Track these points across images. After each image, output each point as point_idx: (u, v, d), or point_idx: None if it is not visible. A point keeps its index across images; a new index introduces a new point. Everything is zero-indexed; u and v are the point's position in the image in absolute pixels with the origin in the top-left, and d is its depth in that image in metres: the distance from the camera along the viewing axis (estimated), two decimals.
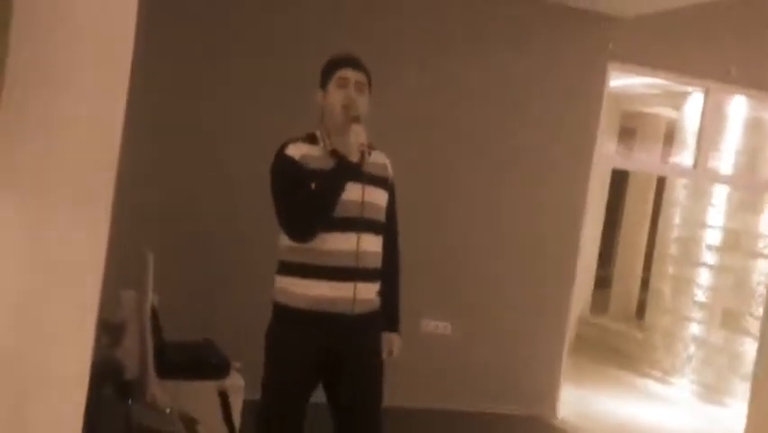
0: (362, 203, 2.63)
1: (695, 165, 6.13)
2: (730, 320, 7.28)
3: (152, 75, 4.34)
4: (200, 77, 4.82)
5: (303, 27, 4.93)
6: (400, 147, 5.08)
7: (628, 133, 9.22)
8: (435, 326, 5.30)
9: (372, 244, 2.71)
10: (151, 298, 3.43)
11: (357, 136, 2.62)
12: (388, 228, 2.82)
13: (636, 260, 9.10)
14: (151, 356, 3.41)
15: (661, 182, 8.68)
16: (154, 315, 3.49)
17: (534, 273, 5.52)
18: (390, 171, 2.87)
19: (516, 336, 5.49)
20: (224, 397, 3.59)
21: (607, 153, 8.31)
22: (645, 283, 8.80)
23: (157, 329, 3.50)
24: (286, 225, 2.64)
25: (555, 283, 5.60)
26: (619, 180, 9.32)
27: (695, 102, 7.30)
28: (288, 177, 2.65)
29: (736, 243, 7.31)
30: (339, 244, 2.62)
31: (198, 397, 3.56)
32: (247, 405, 3.71)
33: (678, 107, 8.04)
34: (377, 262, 2.74)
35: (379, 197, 2.75)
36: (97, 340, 3.60)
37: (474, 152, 5.37)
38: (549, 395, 5.64)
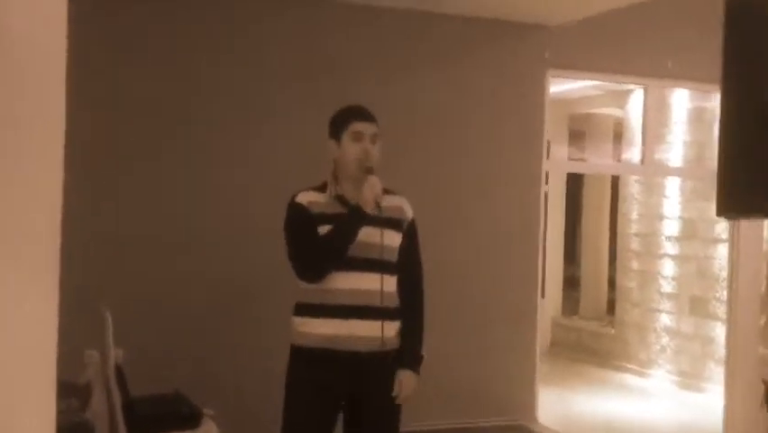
0: (382, 246, 2.73)
1: (642, 160, 6.25)
2: (698, 307, 7.40)
3: (105, 127, 4.37)
4: (152, 127, 4.80)
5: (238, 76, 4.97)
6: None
7: (578, 135, 9.37)
8: None
9: (387, 284, 2.78)
10: (114, 354, 3.40)
11: (372, 188, 2.72)
12: (409, 267, 2.91)
13: (601, 258, 9.22)
14: (120, 414, 3.38)
15: (615, 179, 8.82)
16: (119, 372, 3.46)
17: (498, 284, 5.56)
18: (408, 213, 2.95)
19: (487, 347, 5.51)
20: None
21: (559, 159, 8.46)
22: (612, 280, 8.92)
23: (123, 386, 3.47)
24: (297, 268, 2.76)
25: (520, 291, 5.65)
26: (576, 181, 9.45)
27: (638, 99, 7.46)
28: (295, 222, 2.81)
29: (694, 231, 7.45)
30: (355, 283, 2.73)
31: None
32: None
33: (622, 106, 8.20)
34: (391, 302, 2.81)
35: (394, 239, 2.84)
36: (65, 404, 3.57)
37: (424, 171, 5.40)
38: (527, 402, 5.66)
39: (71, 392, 3.63)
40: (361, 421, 2.79)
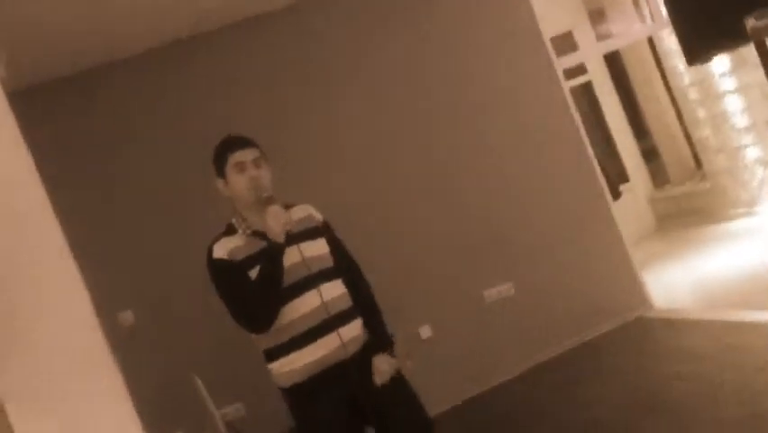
0: (304, 260, 2.71)
1: (653, 16, 6.06)
2: None
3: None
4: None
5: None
6: (409, 137, 5.29)
7: (599, 13, 9.11)
8: (498, 291, 5.38)
9: (333, 289, 2.78)
10: (219, 415, 3.64)
11: (276, 218, 2.64)
12: (344, 263, 2.88)
13: (669, 120, 8.99)
14: None
15: (651, 40, 8.56)
16: (233, 428, 3.69)
17: (559, 193, 5.54)
18: (318, 216, 2.91)
19: (576, 260, 5.51)
20: None
21: (588, 44, 8.27)
22: (687, 136, 8.68)
23: None
24: (246, 325, 2.69)
25: (584, 190, 5.61)
26: (615, 58, 9.23)
27: None
28: (226, 278, 2.68)
29: (744, 58, 7.15)
30: (303, 307, 2.69)
31: None
32: None
33: None
34: (347, 302, 2.81)
35: (317, 247, 2.81)
36: None
37: (449, 124, 5.45)
38: (636, 293, 5.64)
39: None
40: (382, 414, 2.77)
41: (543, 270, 5.44)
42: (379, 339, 2.87)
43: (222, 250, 2.71)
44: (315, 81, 5.22)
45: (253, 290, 2.64)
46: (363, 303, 2.90)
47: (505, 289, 5.38)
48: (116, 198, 4.83)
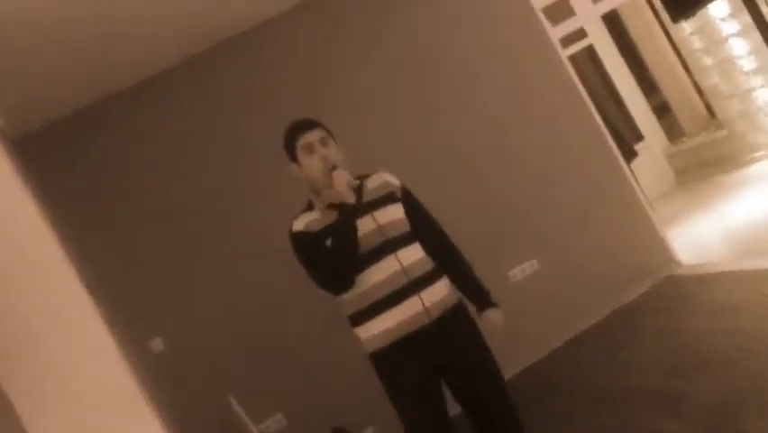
0: (380, 227, 2.76)
1: None
2: None
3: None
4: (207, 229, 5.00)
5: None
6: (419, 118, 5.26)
7: None
8: (522, 269, 5.34)
9: (412, 253, 2.80)
10: (260, 427, 3.65)
11: (341, 179, 2.73)
12: (427, 229, 2.92)
13: (676, 73, 8.87)
14: None
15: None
16: None
17: (573, 165, 5.49)
18: (395, 182, 2.95)
19: (596, 228, 5.46)
20: None
21: (585, 7, 8.16)
22: (696, 86, 8.56)
23: None
24: (326, 285, 2.76)
25: (596, 155, 5.55)
26: (614, 20, 9.12)
27: None
28: (305, 248, 2.78)
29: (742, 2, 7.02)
30: (381, 273, 2.73)
31: None
32: None
33: None
34: (427, 265, 2.82)
35: (392, 213, 2.84)
36: None
37: (453, 104, 5.42)
38: (662, 253, 5.58)
39: None
40: (464, 381, 2.79)
41: (564, 242, 5.40)
42: (476, 296, 2.91)
43: (300, 224, 2.81)
44: (326, 82, 5.23)
45: (329, 253, 2.71)
46: (452, 263, 2.92)
47: (529, 266, 5.34)
48: (136, 230, 4.87)
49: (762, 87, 7.37)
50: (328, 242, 2.73)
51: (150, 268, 4.78)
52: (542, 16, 5.63)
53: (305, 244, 2.78)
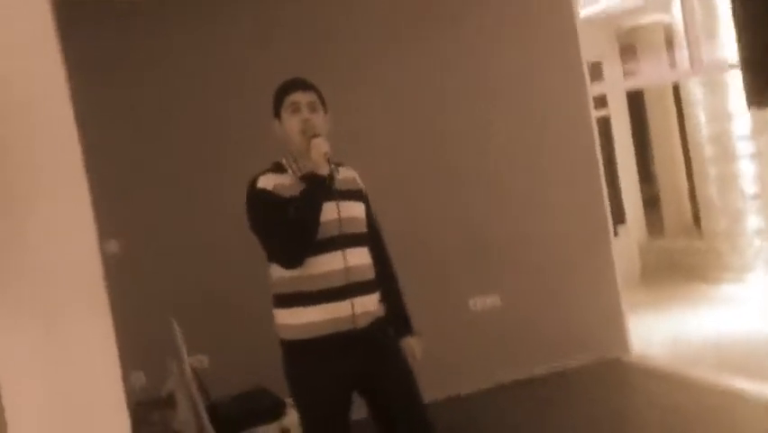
0: (340, 220, 2.64)
1: (692, 63, 5.97)
2: None
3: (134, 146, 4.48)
4: (183, 128, 4.88)
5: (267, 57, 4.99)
6: (404, 128, 5.15)
7: (630, 50, 9.03)
8: (484, 301, 5.28)
9: (360, 257, 2.70)
10: (188, 361, 3.50)
11: (319, 147, 2.61)
12: (372, 237, 2.81)
13: (677, 171, 8.92)
14: (206, 418, 3.48)
15: (676, 88, 8.48)
16: (197, 377, 3.56)
17: (565, 217, 5.45)
18: (361, 183, 2.86)
19: (568, 287, 5.43)
20: None
21: (614, 78, 8.19)
22: (693, 192, 8.62)
23: (203, 390, 3.57)
24: (277, 256, 2.63)
25: (589, 220, 5.52)
26: (637, 99, 9.15)
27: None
28: (265, 208, 2.64)
29: (765, 125, 7.09)
30: (326, 265, 2.61)
31: None
32: None
33: (668, 10, 7.86)
34: (368, 274, 2.72)
35: (354, 209, 2.74)
36: (155, 417, 3.70)
37: (472, 123, 5.34)
38: (617, 334, 5.56)
39: (158, 405, 3.78)
40: (383, 396, 2.69)
41: (532, 288, 5.36)
42: (404, 320, 2.86)
43: (267, 182, 2.67)
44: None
45: (292, 224, 2.57)
46: (388, 280, 2.84)
47: (491, 300, 5.28)
48: (131, 126, 4.71)
49: (755, 213, 7.43)
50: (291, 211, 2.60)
51: (129, 168, 4.61)
52: (587, 73, 5.57)
53: (267, 206, 2.63)
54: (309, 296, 2.61)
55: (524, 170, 5.41)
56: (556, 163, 5.45)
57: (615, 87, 8.17)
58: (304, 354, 2.65)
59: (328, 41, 5.06)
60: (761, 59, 2.51)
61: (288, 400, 3.81)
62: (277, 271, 2.67)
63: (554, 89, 5.46)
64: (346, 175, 2.80)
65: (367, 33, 5.17)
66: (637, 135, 9.24)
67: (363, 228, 2.75)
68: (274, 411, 3.72)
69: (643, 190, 9.29)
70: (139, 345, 3.89)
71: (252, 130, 4.77)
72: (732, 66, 7.10)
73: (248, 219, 2.68)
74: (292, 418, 3.75)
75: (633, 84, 8.12)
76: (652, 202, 9.38)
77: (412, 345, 2.82)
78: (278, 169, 2.73)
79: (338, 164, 2.77)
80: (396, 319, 2.82)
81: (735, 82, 7.33)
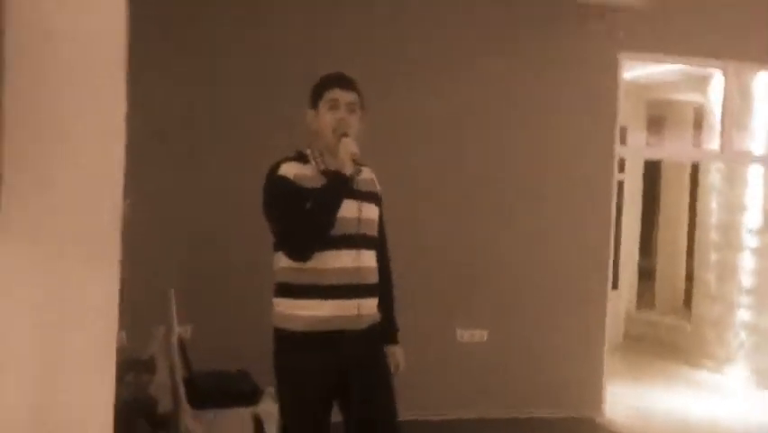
0: (359, 219, 2.64)
1: (722, 147, 6.01)
2: None
3: (156, 111, 4.46)
4: (203, 105, 4.89)
5: (305, 47, 4.99)
6: (419, 151, 5.15)
7: (657, 122, 9.09)
8: (471, 334, 5.27)
9: (371, 259, 2.71)
10: (177, 331, 3.47)
11: (347, 146, 2.61)
12: (382, 241, 2.82)
13: (678, 249, 8.95)
14: (182, 388, 3.45)
15: (695, 168, 8.53)
16: (182, 347, 3.53)
17: (567, 270, 5.46)
18: (378, 186, 2.86)
19: (556, 338, 5.43)
20: (258, 423, 3.61)
21: (636, 145, 8.23)
22: (689, 273, 8.64)
23: (186, 361, 3.54)
24: (286, 245, 2.61)
25: (590, 279, 5.54)
26: (653, 171, 9.20)
27: (719, 84, 7.18)
28: (284, 196, 2.63)
29: None
30: (340, 261, 2.61)
31: (233, 425, 3.60)
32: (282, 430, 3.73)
33: (703, 92, 7.91)
34: (374, 278, 2.74)
35: (372, 212, 2.75)
36: (131, 378, 3.67)
37: (495, 156, 5.36)
38: (594, 395, 5.56)
39: (136, 367, 3.74)
40: (358, 397, 2.67)
41: (522, 332, 5.38)
42: (393, 329, 2.88)
43: (289, 170, 2.66)
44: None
45: (308, 216, 2.58)
46: (385, 286, 2.84)
47: (479, 334, 5.29)
48: (172, 83, 4.73)
49: (747, 308, 7.45)
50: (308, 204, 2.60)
51: (153, 132, 4.57)
52: (617, 135, 5.61)
53: (286, 194, 2.63)
54: (318, 290, 2.60)
55: (537, 215, 5.42)
56: (570, 216, 5.47)
57: (636, 153, 8.21)
58: (298, 346, 2.63)
59: (374, 47, 5.08)
60: None
61: (268, 389, 3.79)
62: (283, 261, 2.65)
63: (584, 144, 5.49)
64: (367, 176, 2.81)
65: (410, 50, 5.18)
66: (646, 206, 9.27)
67: (375, 231, 2.76)
68: (250, 396, 3.69)
69: (640, 261, 9.31)
70: (125, 305, 3.85)
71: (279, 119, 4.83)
72: (756, 159, 7.17)
73: (263, 204, 2.68)
74: (266, 406, 3.73)
75: (654, 154, 8.17)
76: (647, 274, 9.40)
77: (397, 355, 2.86)
78: (301, 158, 2.72)
79: (361, 165, 2.77)
80: (386, 326, 2.82)
81: (753, 175, 7.39)
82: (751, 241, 7.44)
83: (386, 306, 2.82)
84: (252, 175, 4.91)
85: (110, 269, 2.25)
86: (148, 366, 3.60)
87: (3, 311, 2.09)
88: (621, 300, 9.01)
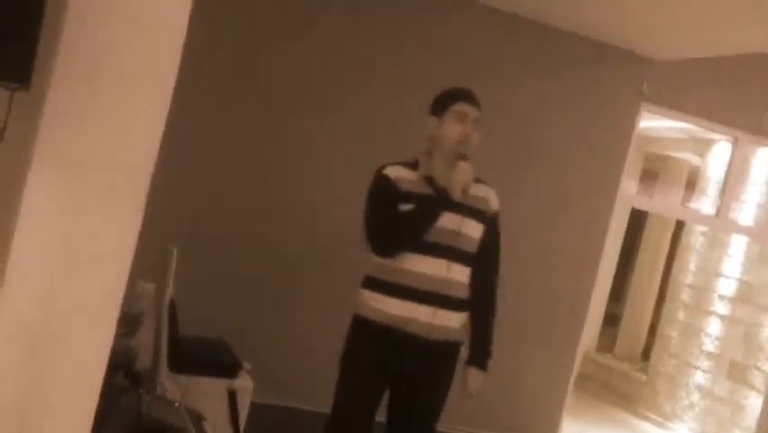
0: (459, 233, 2.70)
1: (717, 213, 6.13)
2: (736, 372, 7.25)
3: (195, 74, 4.41)
4: (242, 76, 4.86)
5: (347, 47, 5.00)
6: None
7: (650, 175, 9.23)
8: None
9: (460, 273, 2.75)
10: (170, 291, 3.46)
11: (463, 174, 2.69)
12: (486, 261, 2.85)
13: (647, 301, 9.09)
14: (165, 349, 3.44)
15: (678, 227, 8.67)
16: (172, 309, 3.52)
17: (548, 305, 5.51)
18: (493, 205, 2.89)
19: (526, 364, 5.47)
20: (232, 397, 3.61)
21: (628, 192, 8.33)
22: (654, 326, 8.78)
23: (173, 323, 3.53)
24: (372, 240, 2.71)
25: (566, 319, 5.60)
26: (637, 220, 9.33)
27: (720, 150, 7.32)
28: (379, 194, 2.75)
29: (750, 295, 7.29)
30: (429, 268, 2.67)
31: (207, 394, 3.59)
32: (254, 407, 3.74)
33: (702, 154, 8.05)
34: (462, 292, 2.77)
35: (473, 229, 2.78)
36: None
37: (498, 180, 5.38)
38: (551, 427, 5.62)
39: (121, 319, 3.71)
40: (409, 404, 2.78)
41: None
42: (480, 348, 2.87)
43: (393, 172, 2.76)
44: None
45: (400, 218, 2.67)
46: (484, 303, 2.87)
47: None
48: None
49: (703, 371, 7.60)
50: (406, 206, 2.69)
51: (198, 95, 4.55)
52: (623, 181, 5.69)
53: (383, 192, 2.73)
54: (400, 289, 2.68)
55: (527, 249, 5.45)
56: (562, 251, 5.52)
57: (625, 202, 8.31)
58: (368, 336, 2.75)
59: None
60: None
61: (245, 364, 3.79)
62: (377, 257, 2.74)
63: (588, 188, 5.54)
64: (480, 193, 2.84)
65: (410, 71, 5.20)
66: (624, 253, 9.40)
67: (473, 249, 2.79)
68: (230, 369, 3.69)
69: (608, 305, 9.44)
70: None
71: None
72: (743, 230, 7.32)
73: (366, 199, 2.79)
74: (244, 381, 3.73)
75: (645, 206, 8.29)
76: (612, 320, 9.54)
77: (475, 377, 2.85)
78: (411, 164, 2.80)
79: (477, 180, 2.81)
80: (476, 346, 2.85)
81: (735, 245, 7.54)
82: (720, 307, 7.59)
83: (480, 324, 2.85)
84: (271, 154, 4.95)
85: (132, 216, 2.27)
86: (134, 321, 3.58)
87: (26, 232, 2.10)
88: (582, 340, 9.12)
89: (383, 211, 2.69)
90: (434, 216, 2.66)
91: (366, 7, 5.03)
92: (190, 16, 2.27)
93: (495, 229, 2.88)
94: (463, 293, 2.78)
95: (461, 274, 2.75)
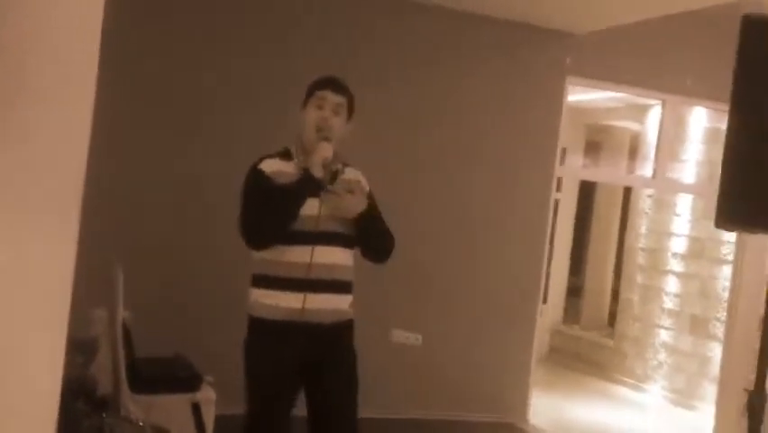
0: (318, 217, 2.73)
1: (654, 175, 6.31)
2: (698, 326, 7.46)
3: (119, 86, 4.45)
4: (168, 87, 4.92)
5: (287, 45, 5.07)
6: (367, 166, 5.25)
7: (594, 146, 9.41)
8: (406, 337, 5.38)
9: (329, 255, 2.79)
10: (122, 314, 3.51)
11: (321, 151, 2.74)
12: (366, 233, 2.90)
13: (606, 269, 9.27)
14: (124, 372, 3.48)
15: (627, 194, 8.86)
16: (126, 331, 3.57)
17: (501, 283, 5.64)
18: (365, 185, 2.94)
19: (484, 344, 5.60)
20: (196, 410, 3.67)
21: (573, 166, 8.52)
22: (616, 292, 8.97)
23: (129, 345, 3.58)
24: (243, 233, 2.76)
25: (522, 293, 5.72)
26: (588, 192, 9.50)
27: (657, 114, 7.51)
28: (254, 189, 2.78)
29: (701, 250, 7.50)
30: (294, 257, 2.73)
31: (172, 410, 3.63)
32: (219, 419, 3.80)
33: (641, 120, 8.25)
34: (336, 274, 2.82)
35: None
36: (71, 358, 3.67)
37: (437, 168, 5.50)
38: (519, 402, 5.75)
39: (78, 347, 3.75)
40: (323, 392, 2.83)
41: (455, 337, 5.53)
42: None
43: (268, 167, 2.81)
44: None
45: (268, 209, 2.73)
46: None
47: (414, 337, 5.40)
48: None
49: (666, 329, 7.80)
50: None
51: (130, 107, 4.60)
52: (558, 157, 5.84)
53: (257, 187, 2.78)
54: (274, 282, 2.76)
55: (477, 229, 5.60)
56: (509, 232, 5.66)
57: (572, 174, 8.50)
58: (264, 335, 2.80)
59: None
60: (739, 192, 2.72)
61: (207, 377, 3.85)
62: (257, 253, 2.79)
63: (527, 163, 5.68)
64: (348, 177, 2.91)
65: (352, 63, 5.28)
66: (579, 225, 9.57)
67: (341, 229, 2.82)
68: (191, 382, 3.74)
69: (570, 277, 9.61)
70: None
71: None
72: (685, 188, 7.53)
73: (240, 195, 2.82)
74: (206, 393, 3.78)
75: (591, 176, 8.48)
76: (575, 292, 9.70)
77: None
78: (286, 155, 2.85)
79: (345, 164, 2.88)
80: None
81: (682, 204, 7.75)
82: (676, 265, 7.80)
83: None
84: (211, 165, 4.99)
85: (66, 246, 2.29)
86: (90, 347, 3.62)
87: None
88: (549, 314, 9.28)
89: (255, 205, 2.74)
90: (300, 198, 2.70)
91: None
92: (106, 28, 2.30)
93: (370, 207, 2.90)
94: (339, 273, 2.84)
95: (332, 255, 2.79)
